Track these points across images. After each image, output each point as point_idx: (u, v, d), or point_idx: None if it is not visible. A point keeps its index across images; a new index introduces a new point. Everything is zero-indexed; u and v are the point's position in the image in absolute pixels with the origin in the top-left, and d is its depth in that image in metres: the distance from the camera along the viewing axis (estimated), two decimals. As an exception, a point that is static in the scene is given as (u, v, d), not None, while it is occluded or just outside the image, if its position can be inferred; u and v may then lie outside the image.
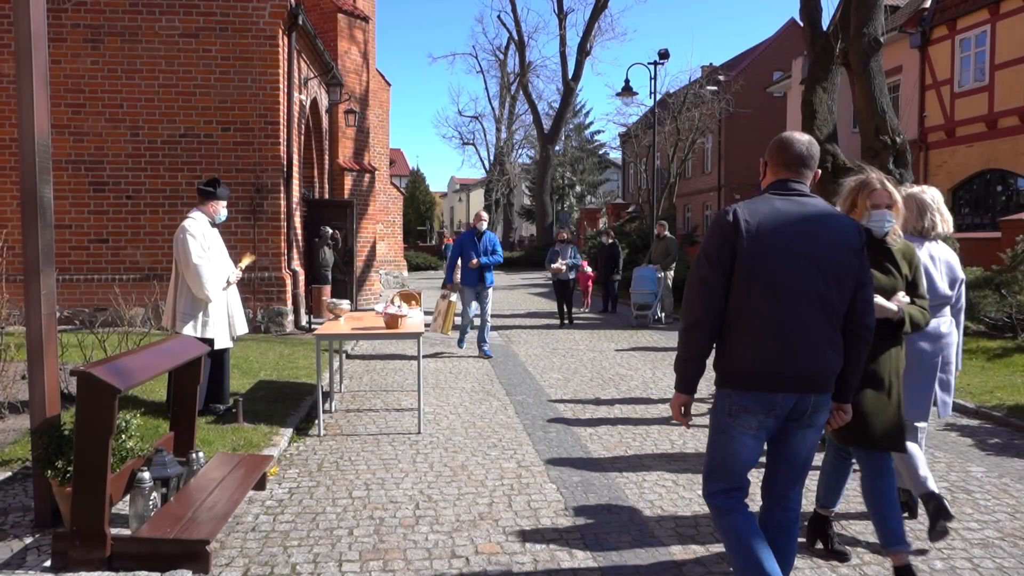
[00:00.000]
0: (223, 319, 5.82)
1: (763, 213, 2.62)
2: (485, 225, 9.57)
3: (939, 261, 3.73)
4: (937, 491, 3.53)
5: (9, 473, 4.41)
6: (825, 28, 13.65)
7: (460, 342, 9.95)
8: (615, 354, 9.97)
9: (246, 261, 6.10)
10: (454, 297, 9.22)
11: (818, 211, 2.65)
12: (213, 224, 5.83)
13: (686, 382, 2.71)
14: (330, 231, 13.63)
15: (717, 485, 2.73)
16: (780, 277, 2.57)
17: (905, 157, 12.50)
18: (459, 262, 9.47)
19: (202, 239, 5.63)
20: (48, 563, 3.26)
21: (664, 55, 19.61)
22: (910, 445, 3.55)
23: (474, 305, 9.70)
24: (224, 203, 5.89)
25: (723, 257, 2.61)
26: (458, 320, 9.61)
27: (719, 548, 3.61)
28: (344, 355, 8.06)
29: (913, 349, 3.59)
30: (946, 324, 3.74)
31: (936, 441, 5.55)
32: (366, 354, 9.71)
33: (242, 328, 6.04)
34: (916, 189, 3.83)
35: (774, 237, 2.58)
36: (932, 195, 3.78)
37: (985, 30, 17.31)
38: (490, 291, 9.53)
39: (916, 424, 3.71)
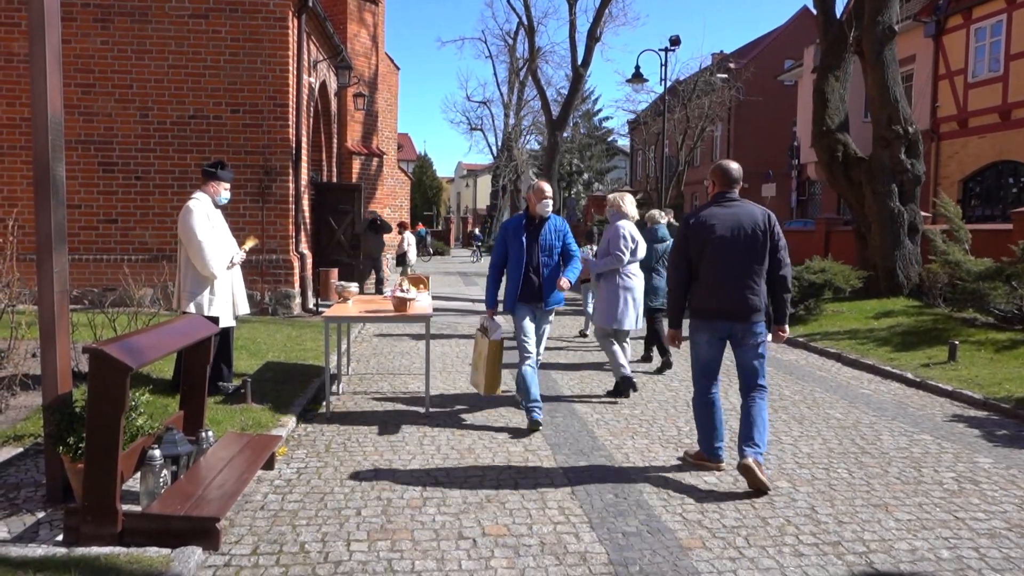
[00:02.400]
0: (227, 298, 5.85)
1: (706, 215, 4.38)
2: (551, 207, 5.63)
3: (632, 233, 6.68)
4: (630, 375, 6.54)
5: (21, 449, 4.46)
6: (839, 16, 13.52)
7: (533, 410, 5.41)
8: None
9: (249, 244, 6.14)
10: (498, 332, 5.65)
11: (741, 209, 4.36)
12: (216, 205, 5.84)
13: (673, 321, 4.58)
14: (377, 216, 12.99)
15: (697, 378, 4.56)
16: (715, 253, 4.30)
17: (917, 147, 12.42)
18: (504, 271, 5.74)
19: (206, 218, 5.65)
20: (60, 537, 3.30)
21: (675, 42, 19.49)
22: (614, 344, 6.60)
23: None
24: (227, 185, 5.90)
25: (683, 245, 4.44)
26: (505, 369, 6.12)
27: (725, 534, 3.64)
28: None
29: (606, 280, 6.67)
30: (635, 267, 6.76)
31: (944, 432, 5.56)
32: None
33: (244, 308, 6.08)
34: (612, 196, 6.85)
35: (711, 230, 4.31)
36: (627, 198, 6.81)
37: (1001, 19, 17.12)
38: (551, 315, 5.87)
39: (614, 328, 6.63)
